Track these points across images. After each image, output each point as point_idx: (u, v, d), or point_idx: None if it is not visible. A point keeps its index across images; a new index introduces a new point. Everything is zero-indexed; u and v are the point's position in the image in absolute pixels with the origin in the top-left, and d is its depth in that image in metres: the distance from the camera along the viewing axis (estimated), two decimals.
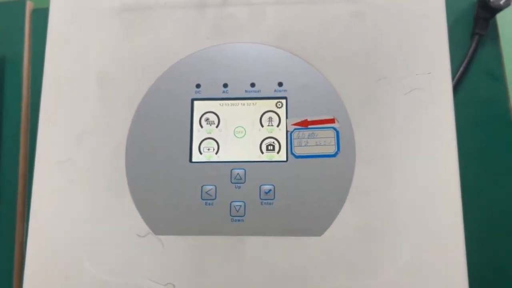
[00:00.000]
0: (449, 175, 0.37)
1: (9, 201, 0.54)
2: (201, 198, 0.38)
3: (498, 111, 0.52)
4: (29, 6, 0.59)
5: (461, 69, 0.53)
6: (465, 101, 0.52)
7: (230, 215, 0.37)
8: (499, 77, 0.53)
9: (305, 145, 0.38)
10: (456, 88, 0.52)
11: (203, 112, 0.39)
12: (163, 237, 0.37)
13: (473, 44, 0.53)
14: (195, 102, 0.40)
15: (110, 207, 0.38)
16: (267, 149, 0.38)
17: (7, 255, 0.52)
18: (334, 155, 0.38)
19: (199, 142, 0.39)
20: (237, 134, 0.39)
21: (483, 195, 0.50)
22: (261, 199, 0.37)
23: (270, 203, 0.37)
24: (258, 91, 0.39)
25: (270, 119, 0.39)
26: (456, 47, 0.52)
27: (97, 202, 0.38)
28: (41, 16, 0.57)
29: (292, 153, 0.38)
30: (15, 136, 0.55)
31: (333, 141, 0.38)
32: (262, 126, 0.39)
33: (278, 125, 0.39)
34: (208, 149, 0.39)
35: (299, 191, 0.37)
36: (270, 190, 0.37)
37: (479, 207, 0.49)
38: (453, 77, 0.49)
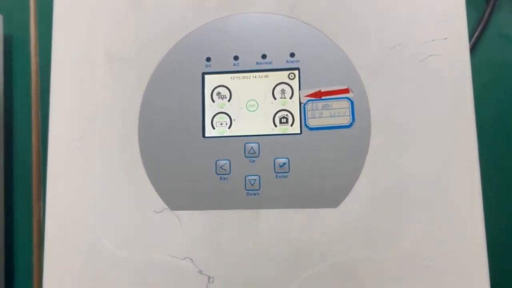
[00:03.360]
0: (466, 143, 0.36)
1: (24, 180, 0.54)
2: (216, 173, 0.37)
3: None
4: None
5: (477, 33, 0.51)
6: (480, 66, 0.51)
7: (245, 189, 0.37)
8: None
9: (319, 117, 0.37)
10: (471, 52, 0.51)
11: (214, 86, 0.39)
12: (179, 212, 0.37)
13: (489, 7, 0.52)
14: (206, 76, 0.39)
15: (125, 184, 0.38)
16: (281, 122, 0.38)
17: (25, 233, 0.53)
18: (349, 126, 0.37)
19: (211, 117, 0.38)
20: (249, 108, 0.38)
21: (500, 161, 0.50)
22: (276, 172, 0.37)
23: (285, 176, 0.37)
24: (269, 63, 0.38)
25: (283, 91, 0.38)
26: (471, 10, 0.50)
27: (112, 179, 0.38)
28: None
29: (306, 125, 0.37)
30: (26, 115, 0.55)
31: (347, 111, 0.37)
32: (274, 98, 0.38)
33: (291, 97, 0.38)
34: (221, 124, 0.38)
35: (314, 163, 0.37)
36: (284, 163, 0.37)
37: (496, 174, 0.49)
38: (468, 41, 0.48)
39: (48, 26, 0.42)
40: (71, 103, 0.40)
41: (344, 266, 0.36)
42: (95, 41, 0.41)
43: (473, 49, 0.51)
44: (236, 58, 0.39)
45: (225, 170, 0.37)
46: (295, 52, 0.38)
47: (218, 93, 0.39)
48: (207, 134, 0.38)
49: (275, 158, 0.37)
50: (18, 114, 0.56)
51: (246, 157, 0.38)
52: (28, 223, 0.53)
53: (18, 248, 0.53)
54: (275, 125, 0.38)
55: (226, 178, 0.37)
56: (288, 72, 0.38)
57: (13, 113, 0.56)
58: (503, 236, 0.48)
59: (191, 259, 0.37)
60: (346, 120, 0.37)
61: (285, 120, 0.38)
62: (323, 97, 0.38)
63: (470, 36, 0.51)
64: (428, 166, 0.36)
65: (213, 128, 0.38)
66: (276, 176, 0.37)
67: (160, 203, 0.38)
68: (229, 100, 0.39)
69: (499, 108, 0.51)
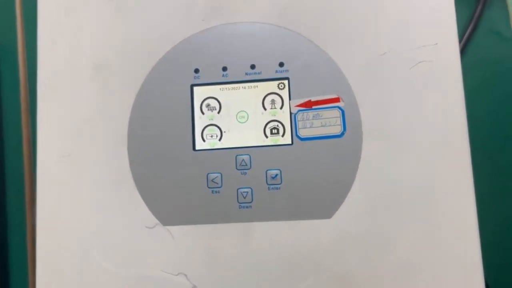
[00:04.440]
0: (459, 147, 0.36)
1: (17, 188, 0.54)
2: (207, 187, 0.37)
3: (508, 72, 0.51)
4: None
5: (468, 30, 0.51)
6: (473, 64, 0.51)
7: (238, 202, 0.37)
8: (508, 38, 0.51)
9: (310, 127, 0.37)
10: (463, 50, 0.51)
11: (203, 98, 0.38)
12: (171, 228, 0.37)
13: (480, 4, 0.51)
14: (195, 88, 0.38)
15: (116, 199, 0.38)
16: (272, 133, 0.37)
17: (19, 241, 0.53)
18: (340, 135, 0.37)
19: (201, 129, 0.38)
20: (239, 119, 0.38)
21: (493, 160, 0.49)
22: (268, 184, 0.37)
23: (277, 188, 0.37)
24: (259, 73, 0.38)
25: (273, 101, 0.38)
26: (462, 7, 0.50)
27: (103, 195, 0.38)
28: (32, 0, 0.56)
29: (297, 136, 0.37)
30: (16, 125, 0.55)
31: (338, 121, 0.37)
32: (265, 109, 0.38)
33: (281, 107, 0.38)
34: (211, 136, 0.38)
35: (306, 174, 0.37)
36: (276, 174, 0.37)
37: (489, 172, 0.49)
38: (460, 39, 0.47)
39: (35, 34, 0.41)
40: (59, 119, 0.39)
41: (340, 276, 0.36)
42: (81, 54, 0.40)
43: (465, 46, 0.51)
44: (224, 69, 0.38)
45: (216, 183, 0.37)
46: (284, 62, 0.38)
47: (208, 105, 0.38)
48: (197, 147, 0.38)
49: (267, 170, 0.37)
50: (8, 123, 0.55)
51: (237, 169, 0.37)
52: (21, 230, 0.53)
53: (12, 258, 0.53)
54: (266, 136, 0.38)
55: (218, 192, 0.37)
56: (277, 82, 0.38)
57: (3, 123, 0.55)
58: (499, 236, 0.48)
59: (185, 275, 0.36)
60: (337, 130, 0.37)
61: (276, 131, 0.37)
62: (313, 107, 0.37)
63: (462, 33, 0.50)
64: (421, 173, 0.36)
65: (204, 140, 0.38)
66: (269, 188, 0.37)
67: (152, 219, 0.37)
68: (218, 112, 0.38)
69: (492, 106, 0.50)
